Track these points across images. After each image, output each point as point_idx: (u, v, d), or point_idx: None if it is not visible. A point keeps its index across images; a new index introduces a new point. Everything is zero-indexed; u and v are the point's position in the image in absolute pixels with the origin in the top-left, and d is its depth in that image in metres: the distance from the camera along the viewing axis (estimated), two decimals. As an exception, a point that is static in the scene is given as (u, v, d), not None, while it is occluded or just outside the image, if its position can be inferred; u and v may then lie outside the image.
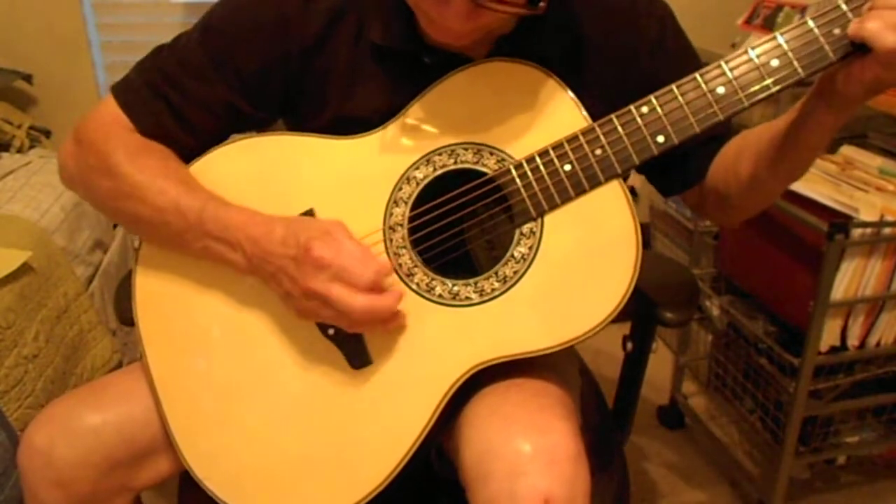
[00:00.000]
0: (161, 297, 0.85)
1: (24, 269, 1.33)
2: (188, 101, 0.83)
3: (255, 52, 0.82)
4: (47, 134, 1.94)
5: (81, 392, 0.86)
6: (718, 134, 0.87)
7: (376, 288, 0.73)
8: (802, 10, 1.59)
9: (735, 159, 0.85)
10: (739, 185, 0.84)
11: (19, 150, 1.81)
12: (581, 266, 0.76)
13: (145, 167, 0.81)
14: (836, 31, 0.70)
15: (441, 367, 0.77)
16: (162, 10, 2.04)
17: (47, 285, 1.41)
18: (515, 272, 0.77)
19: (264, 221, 0.77)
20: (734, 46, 1.75)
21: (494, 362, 0.76)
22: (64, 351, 1.41)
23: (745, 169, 0.83)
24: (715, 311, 1.67)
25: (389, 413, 0.78)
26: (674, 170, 0.89)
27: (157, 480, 0.86)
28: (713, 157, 0.88)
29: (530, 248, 0.77)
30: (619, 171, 0.76)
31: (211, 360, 0.83)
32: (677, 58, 0.85)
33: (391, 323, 0.76)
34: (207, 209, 0.78)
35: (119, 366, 1.58)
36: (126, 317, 0.88)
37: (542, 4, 0.69)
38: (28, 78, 1.92)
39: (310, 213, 0.82)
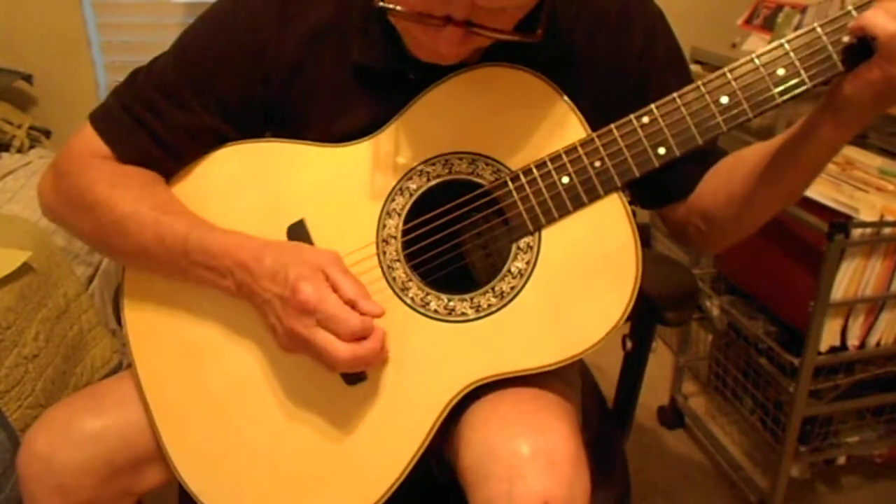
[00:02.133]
0: (150, 307, 0.83)
1: (24, 269, 1.33)
2: (170, 128, 0.81)
3: (234, 79, 0.80)
4: (47, 134, 1.94)
5: (81, 397, 0.85)
6: (709, 151, 0.85)
7: (363, 335, 0.71)
8: (803, 10, 1.59)
9: (727, 178, 0.82)
10: (729, 206, 0.81)
11: (19, 150, 1.81)
12: (580, 282, 0.75)
13: (124, 199, 0.78)
14: (846, 38, 0.68)
15: (437, 384, 0.76)
16: (162, 10, 2.04)
17: (47, 285, 1.41)
18: (513, 288, 0.76)
19: (253, 247, 0.75)
20: (734, 46, 1.75)
21: (491, 379, 0.76)
22: (64, 351, 1.41)
23: (738, 188, 0.80)
24: (715, 311, 1.67)
25: (385, 430, 0.77)
26: (659, 181, 0.85)
27: (159, 485, 0.86)
28: (702, 175, 0.85)
29: (528, 263, 0.76)
30: (618, 184, 0.74)
31: (203, 374, 0.82)
32: (666, 64, 0.83)
33: (374, 364, 0.75)
34: (191, 238, 0.76)
35: (119, 366, 1.58)
36: (126, 317, 0.88)
37: (539, 31, 0.68)
38: (28, 78, 1.92)
39: (300, 224, 0.80)
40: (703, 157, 0.85)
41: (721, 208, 0.82)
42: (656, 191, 0.87)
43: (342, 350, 0.70)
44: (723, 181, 0.83)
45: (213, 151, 0.83)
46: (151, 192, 0.80)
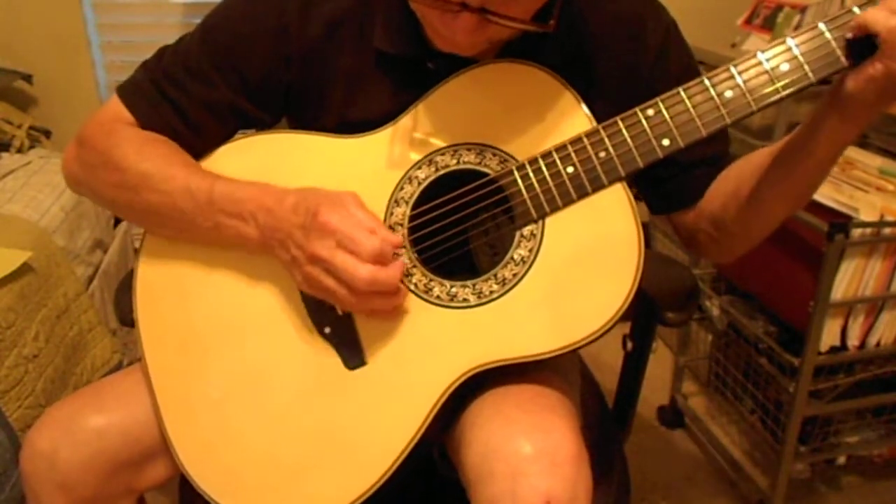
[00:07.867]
0: (161, 297, 0.85)
1: (24, 269, 1.33)
2: (192, 102, 0.84)
3: (257, 57, 0.83)
4: (47, 134, 1.94)
5: (84, 394, 0.85)
6: (718, 155, 0.86)
7: (382, 259, 0.72)
8: (803, 10, 1.60)
9: (736, 181, 0.83)
10: (738, 209, 0.82)
11: (19, 150, 1.81)
12: (582, 270, 0.75)
13: (151, 155, 0.81)
14: (849, 35, 0.69)
15: (437, 369, 0.76)
16: (162, 10, 2.04)
17: (47, 285, 1.41)
18: (515, 275, 0.77)
19: (276, 191, 0.77)
20: (734, 46, 1.76)
21: (492, 366, 0.76)
22: (64, 351, 1.41)
23: (747, 190, 0.80)
24: (715, 311, 1.67)
25: (385, 413, 0.77)
26: (668, 186, 0.87)
27: (161, 481, 0.86)
28: (711, 179, 0.86)
29: (530, 250, 0.77)
30: (622, 174, 0.75)
31: (208, 361, 0.83)
32: (678, 71, 0.84)
33: (392, 299, 0.75)
34: (217, 187, 0.79)
35: (119, 366, 1.58)
36: (126, 317, 0.88)
37: (551, 22, 0.69)
38: (28, 78, 1.92)
39: None
40: (713, 161, 0.86)
41: (731, 212, 0.83)
42: (666, 196, 0.89)
43: (362, 269, 0.71)
44: (732, 184, 0.84)
45: (228, 143, 0.86)
46: (174, 152, 0.83)
